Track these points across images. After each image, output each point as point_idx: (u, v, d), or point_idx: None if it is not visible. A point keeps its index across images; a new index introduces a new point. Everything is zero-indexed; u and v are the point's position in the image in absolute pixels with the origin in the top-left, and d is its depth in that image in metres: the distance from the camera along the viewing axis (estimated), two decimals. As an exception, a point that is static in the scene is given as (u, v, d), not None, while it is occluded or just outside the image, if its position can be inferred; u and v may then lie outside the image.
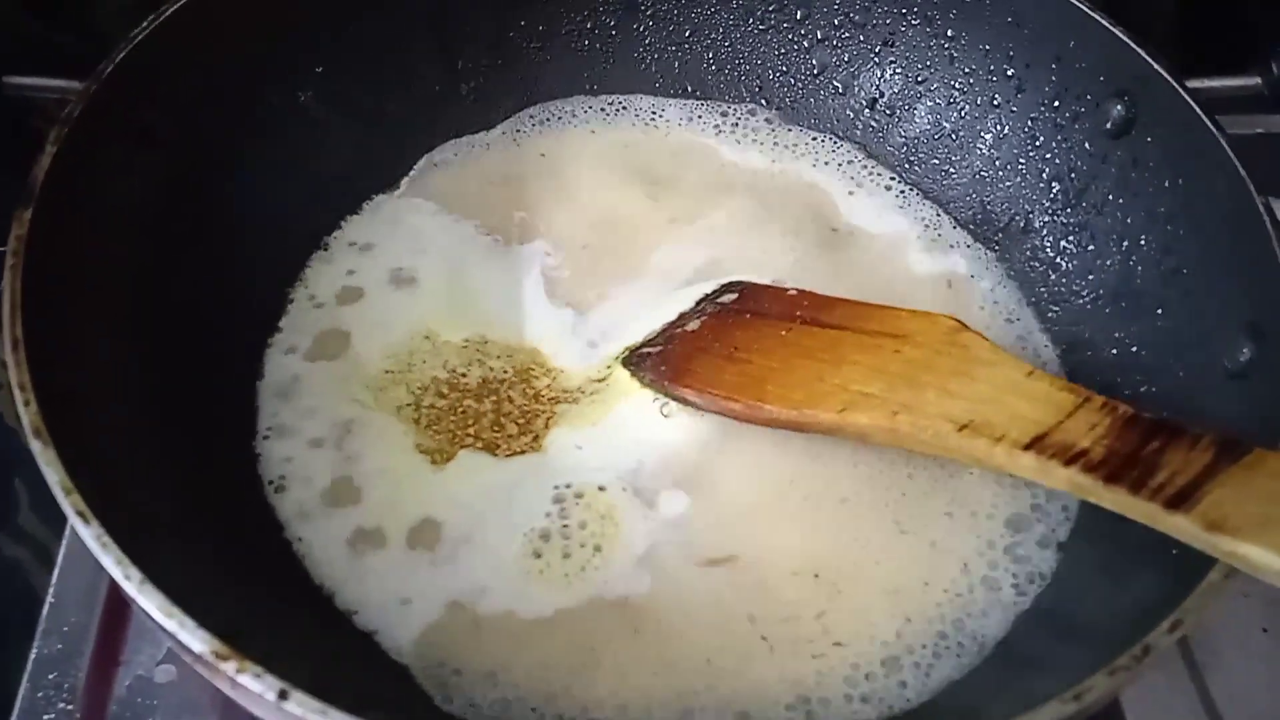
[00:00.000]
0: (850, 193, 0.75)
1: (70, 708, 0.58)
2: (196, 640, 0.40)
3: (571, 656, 0.54)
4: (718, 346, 0.63)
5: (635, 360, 0.64)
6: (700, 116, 0.79)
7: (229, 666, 0.39)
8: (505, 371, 0.64)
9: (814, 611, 0.56)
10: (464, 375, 0.64)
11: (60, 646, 0.60)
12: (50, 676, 0.59)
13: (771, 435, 0.61)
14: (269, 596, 0.53)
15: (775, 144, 0.78)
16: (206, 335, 0.61)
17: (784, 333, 0.62)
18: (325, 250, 0.70)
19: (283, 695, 0.39)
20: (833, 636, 0.55)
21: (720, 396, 0.60)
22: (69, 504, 0.43)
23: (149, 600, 0.41)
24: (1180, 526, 0.44)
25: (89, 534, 0.42)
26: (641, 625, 0.55)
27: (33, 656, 0.60)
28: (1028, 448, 0.50)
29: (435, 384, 0.64)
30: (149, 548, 0.43)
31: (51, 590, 0.62)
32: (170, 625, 0.40)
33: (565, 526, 0.58)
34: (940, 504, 0.60)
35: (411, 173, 0.75)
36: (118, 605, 0.61)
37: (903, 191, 0.75)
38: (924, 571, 0.58)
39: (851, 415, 0.56)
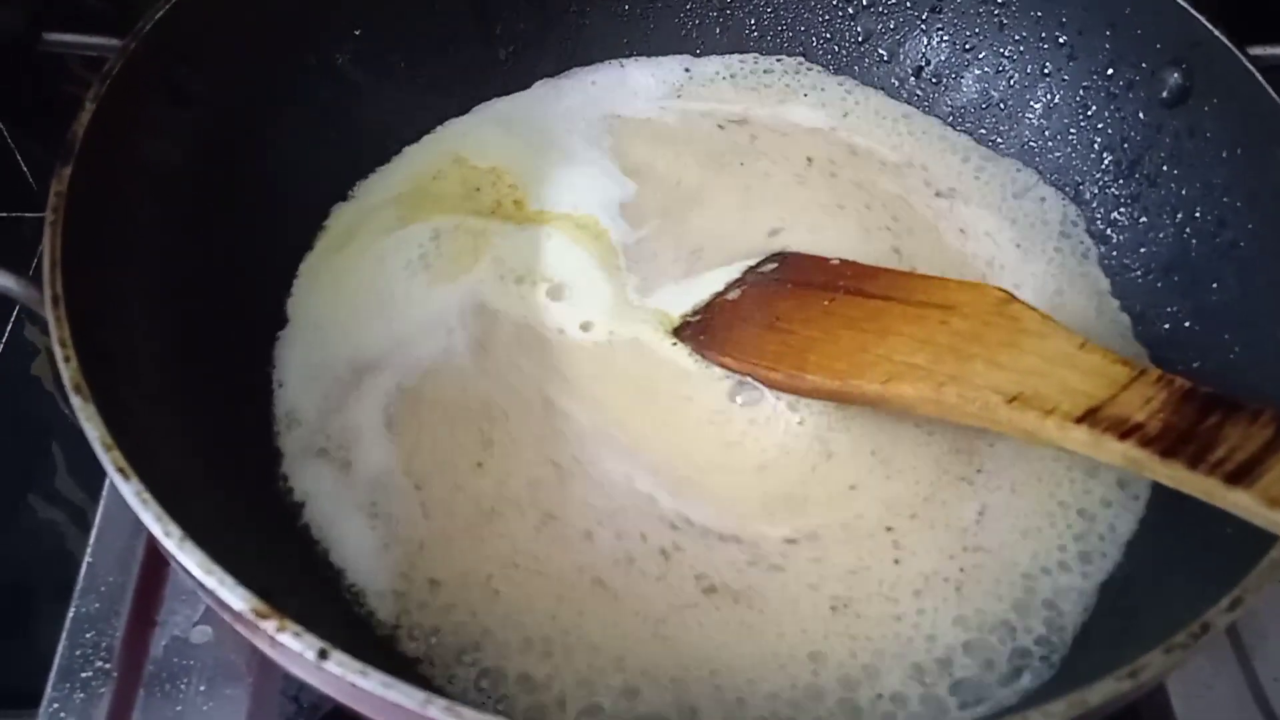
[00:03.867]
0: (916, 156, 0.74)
1: (107, 666, 0.58)
2: (237, 598, 0.40)
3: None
4: (759, 316, 0.62)
5: (681, 330, 0.64)
6: (746, 74, 0.78)
7: (269, 625, 0.39)
8: None
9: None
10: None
11: (98, 606, 0.60)
12: (88, 635, 0.59)
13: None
14: (289, 558, 0.53)
15: (824, 100, 0.77)
16: (237, 288, 0.62)
17: (827, 303, 0.61)
18: (349, 201, 0.70)
19: (323, 655, 0.38)
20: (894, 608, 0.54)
21: (762, 366, 0.59)
22: (109, 460, 0.43)
23: (189, 557, 0.41)
24: (1240, 502, 0.43)
25: (129, 490, 0.42)
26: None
27: (70, 615, 0.60)
28: (1080, 421, 0.48)
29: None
30: (185, 506, 0.43)
31: (89, 550, 0.63)
32: (210, 582, 0.40)
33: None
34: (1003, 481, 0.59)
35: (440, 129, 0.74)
36: (155, 566, 0.62)
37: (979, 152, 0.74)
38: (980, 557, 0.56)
39: (896, 386, 0.55)
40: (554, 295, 0.65)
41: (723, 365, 0.61)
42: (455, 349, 0.62)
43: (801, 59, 0.78)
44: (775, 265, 0.66)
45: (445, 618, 0.53)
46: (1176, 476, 0.45)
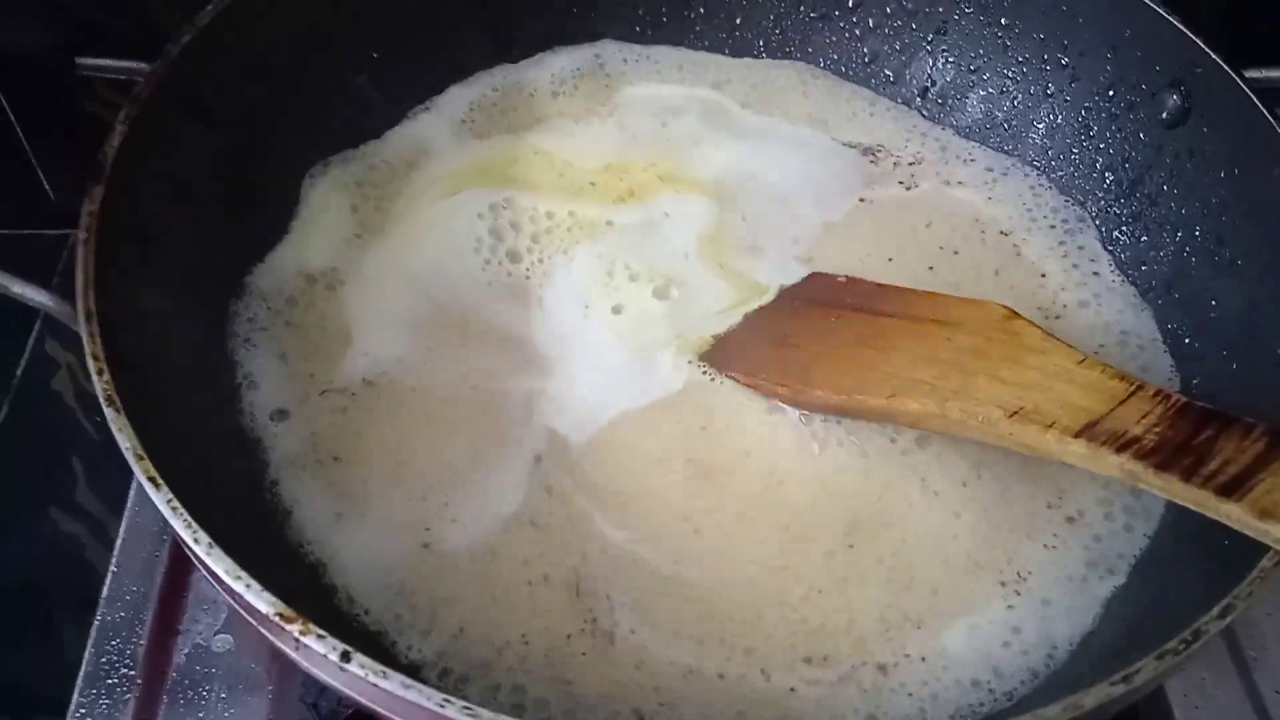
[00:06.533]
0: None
1: (132, 673, 0.60)
2: (263, 602, 0.41)
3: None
4: (768, 332, 0.64)
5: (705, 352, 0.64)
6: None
7: (294, 628, 0.40)
8: None
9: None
10: None
11: (122, 614, 0.62)
12: (113, 643, 0.61)
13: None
14: (297, 565, 0.54)
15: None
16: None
17: (833, 319, 0.62)
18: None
19: (345, 656, 0.40)
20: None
21: (769, 380, 0.61)
22: (141, 470, 0.44)
23: (218, 563, 0.42)
24: (1232, 514, 0.44)
25: (160, 499, 0.44)
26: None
27: (96, 624, 0.61)
28: (1078, 434, 0.50)
29: None
30: (210, 513, 0.44)
31: (114, 560, 0.64)
32: (238, 587, 0.41)
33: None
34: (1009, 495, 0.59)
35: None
36: (178, 575, 0.63)
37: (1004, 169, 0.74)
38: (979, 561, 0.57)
39: (901, 401, 0.56)
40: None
41: (733, 379, 0.62)
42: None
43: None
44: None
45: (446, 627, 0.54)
46: (1170, 488, 0.47)
